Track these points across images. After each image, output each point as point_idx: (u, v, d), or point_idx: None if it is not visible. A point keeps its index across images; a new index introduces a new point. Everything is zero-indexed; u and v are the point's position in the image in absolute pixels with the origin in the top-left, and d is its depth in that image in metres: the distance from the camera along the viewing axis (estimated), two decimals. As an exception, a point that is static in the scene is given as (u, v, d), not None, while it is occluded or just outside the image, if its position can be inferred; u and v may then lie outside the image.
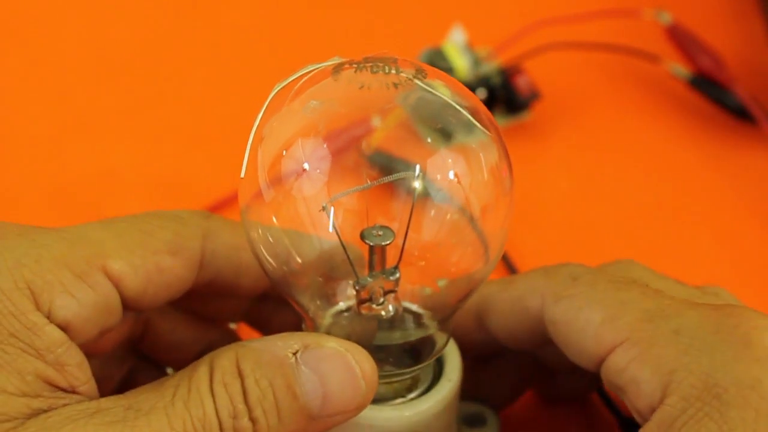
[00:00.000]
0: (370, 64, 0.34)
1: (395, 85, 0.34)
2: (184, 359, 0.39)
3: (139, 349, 0.41)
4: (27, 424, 0.31)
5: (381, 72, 0.34)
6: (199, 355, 0.39)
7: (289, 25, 0.70)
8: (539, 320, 0.37)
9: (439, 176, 0.35)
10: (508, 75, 0.61)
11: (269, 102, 0.36)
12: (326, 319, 0.37)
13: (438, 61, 0.60)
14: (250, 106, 0.64)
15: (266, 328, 0.41)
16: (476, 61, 0.61)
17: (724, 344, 0.32)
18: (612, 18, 0.64)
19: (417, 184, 0.34)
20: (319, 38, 0.68)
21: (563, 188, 0.59)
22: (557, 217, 0.57)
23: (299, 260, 0.36)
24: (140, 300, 0.35)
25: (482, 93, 0.60)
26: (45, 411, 0.31)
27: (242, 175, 0.35)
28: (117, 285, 0.35)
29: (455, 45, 0.61)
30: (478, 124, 0.35)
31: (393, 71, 0.34)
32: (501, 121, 0.61)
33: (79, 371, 0.33)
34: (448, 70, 0.60)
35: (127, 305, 0.35)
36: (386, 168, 0.35)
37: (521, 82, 0.60)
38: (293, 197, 0.35)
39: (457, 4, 0.73)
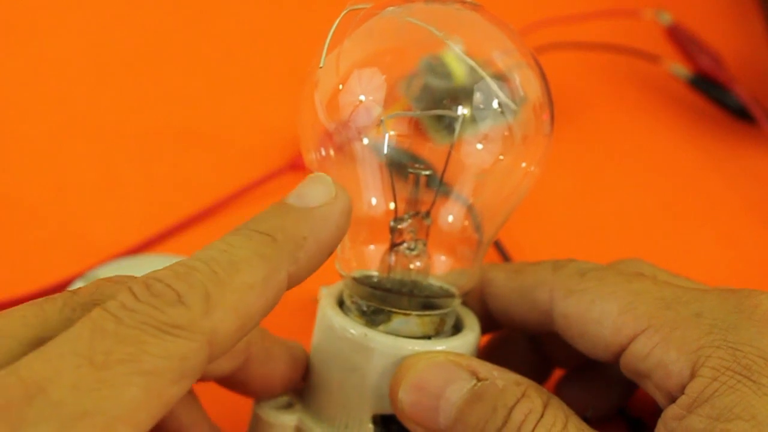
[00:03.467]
0: None
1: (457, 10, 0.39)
2: None
3: None
4: None
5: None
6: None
7: (286, 29, 0.70)
8: (547, 313, 0.37)
9: (482, 105, 0.38)
10: (508, 75, 0.60)
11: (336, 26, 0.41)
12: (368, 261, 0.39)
13: (435, 63, 0.60)
14: (252, 105, 0.64)
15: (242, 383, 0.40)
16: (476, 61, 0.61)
17: (747, 322, 0.33)
18: (612, 18, 0.64)
19: (463, 111, 0.38)
20: (318, 40, 0.68)
21: (563, 188, 0.59)
22: (557, 216, 0.57)
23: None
24: None
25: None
26: None
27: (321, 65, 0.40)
28: None
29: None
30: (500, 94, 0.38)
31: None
32: (501, 121, 0.61)
33: None
34: (447, 73, 0.60)
35: None
36: (402, 164, 0.38)
37: (521, 82, 0.60)
38: (349, 126, 0.37)
39: (457, 4, 0.73)
